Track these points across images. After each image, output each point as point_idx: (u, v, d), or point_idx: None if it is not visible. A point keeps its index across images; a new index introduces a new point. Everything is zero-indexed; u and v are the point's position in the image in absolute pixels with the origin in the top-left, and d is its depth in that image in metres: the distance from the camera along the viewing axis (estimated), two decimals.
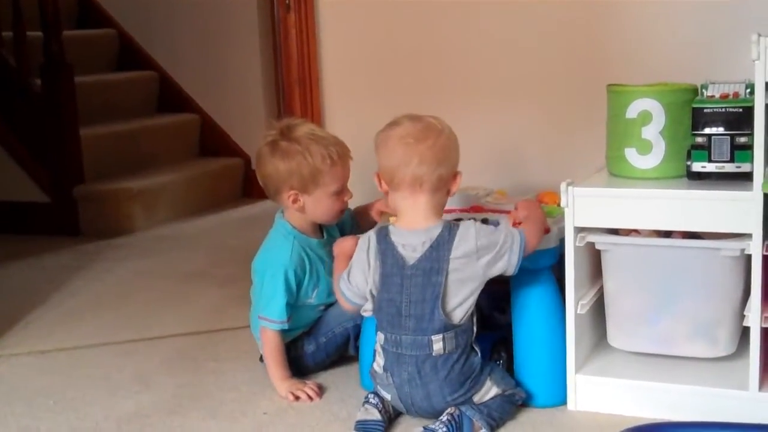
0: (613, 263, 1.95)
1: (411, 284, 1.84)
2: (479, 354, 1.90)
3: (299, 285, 2.14)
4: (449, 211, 2.11)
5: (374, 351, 1.93)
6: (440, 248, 1.83)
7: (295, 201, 2.14)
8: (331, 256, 2.13)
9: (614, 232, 1.94)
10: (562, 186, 1.87)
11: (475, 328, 1.90)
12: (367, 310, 1.93)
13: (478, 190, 2.24)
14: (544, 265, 1.95)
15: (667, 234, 1.90)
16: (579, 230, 1.90)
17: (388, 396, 1.89)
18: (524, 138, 2.37)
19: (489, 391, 1.88)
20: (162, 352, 2.42)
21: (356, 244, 1.98)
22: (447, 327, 1.83)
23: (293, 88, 2.59)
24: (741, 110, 1.80)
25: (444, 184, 1.87)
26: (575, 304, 1.91)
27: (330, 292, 2.16)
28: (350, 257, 1.98)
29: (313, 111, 2.59)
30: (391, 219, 1.99)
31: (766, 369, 1.86)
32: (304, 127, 2.15)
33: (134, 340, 2.54)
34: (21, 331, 2.66)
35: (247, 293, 2.33)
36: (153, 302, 2.90)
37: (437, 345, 1.83)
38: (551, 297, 1.96)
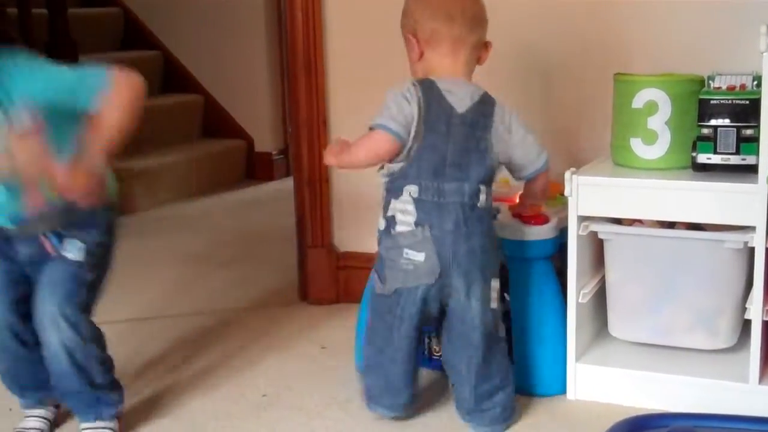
0: (616, 253, 1.95)
1: (458, 132, 1.75)
2: None
3: None
4: None
5: (389, 218, 1.78)
6: (487, 104, 1.78)
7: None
8: None
9: (617, 221, 1.93)
10: (566, 174, 1.87)
11: None
12: (394, 171, 1.77)
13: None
14: (545, 254, 1.95)
15: (671, 225, 1.90)
16: (582, 219, 1.90)
17: (420, 256, 1.73)
18: (528, 126, 2.36)
19: (495, 296, 1.80)
20: (162, 332, 2.42)
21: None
22: (489, 181, 1.78)
23: (298, 70, 2.58)
24: (747, 102, 1.79)
25: (478, 47, 1.83)
26: (577, 293, 1.91)
27: None
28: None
29: (317, 95, 2.58)
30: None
31: (767, 362, 1.86)
32: None
33: (136, 319, 2.55)
34: None
35: (246, 275, 2.32)
36: (154, 283, 2.90)
37: (483, 195, 1.76)
38: (551, 286, 1.96)
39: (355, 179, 2.51)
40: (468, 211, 1.74)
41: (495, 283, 1.80)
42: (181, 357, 2.26)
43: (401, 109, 1.75)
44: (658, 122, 1.90)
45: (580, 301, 1.92)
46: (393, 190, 1.77)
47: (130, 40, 4.81)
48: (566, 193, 1.88)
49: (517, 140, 1.81)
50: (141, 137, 4.35)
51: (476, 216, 1.75)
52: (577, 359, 1.94)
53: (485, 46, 1.85)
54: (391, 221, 1.77)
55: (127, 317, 2.56)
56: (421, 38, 1.82)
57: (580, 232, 1.90)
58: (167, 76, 4.76)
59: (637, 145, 1.93)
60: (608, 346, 2.02)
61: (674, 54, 2.14)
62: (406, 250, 1.75)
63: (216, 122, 4.65)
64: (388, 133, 1.74)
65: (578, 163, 1.98)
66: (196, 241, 3.42)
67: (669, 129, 1.90)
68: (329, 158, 1.86)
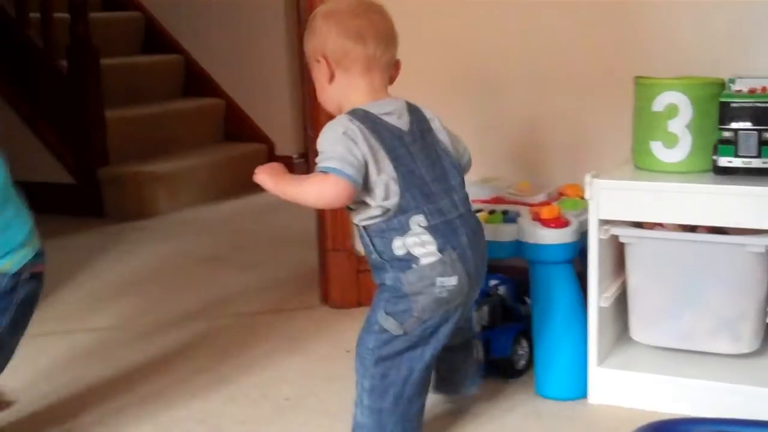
0: (637, 257, 1.94)
1: (417, 149, 1.67)
2: None
3: None
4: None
5: (401, 257, 1.64)
6: (416, 111, 1.71)
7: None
8: None
9: (638, 225, 1.93)
10: (587, 178, 1.87)
11: None
12: (388, 208, 1.63)
13: (500, 181, 2.23)
14: (565, 258, 1.94)
15: (692, 228, 1.89)
16: (603, 222, 1.89)
17: (453, 281, 1.64)
18: (549, 129, 2.36)
19: None
20: (183, 336, 2.43)
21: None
22: (464, 183, 1.73)
23: None
24: None
25: (389, 66, 1.72)
26: (598, 296, 1.91)
27: None
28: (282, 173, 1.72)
29: None
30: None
31: None
32: None
33: (156, 322, 2.56)
34: (44, 311, 2.66)
35: (266, 279, 2.33)
36: (175, 285, 2.92)
37: (468, 199, 1.73)
38: (572, 290, 1.95)
39: None
40: (468, 219, 1.69)
41: None
42: (203, 360, 2.27)
43: (350, 150, 1.60)
44: (678, 125, 1.89)
45: (601, 305, 1.91)
46: (394, 228, 1.64)
47: (151, 44, 4.84)
48: (586, 196, 1.88)
49: (451, 135, 1.75)
50: (163, 141, 4.43)
51: (476, 221, 1.72)
52: (599, 363, 1.93)
53: (396, 64, 1.74)
54: (407, 259, 1.64)
55: (149, 320, 2.58)
56: (332, 59, 1.69)
57: (601, 236, 1.89)
58: (188, 80, 4.79)
59: (657, 149, 1.92)
60: (630, 351, 2.01)
61: (695, 57, 2.13)
62: (439, 279, 1.64)
63: (237, 126, 4.67)
64: (347, 180, 1.59)
65: (598, 166, 1.98)
66: (217, 244, 3.44)
67: (690, 132, 1.89)
68: (267, 181, 1.68)
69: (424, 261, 1.63)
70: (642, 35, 2.23)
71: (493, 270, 2.21)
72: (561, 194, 2.14)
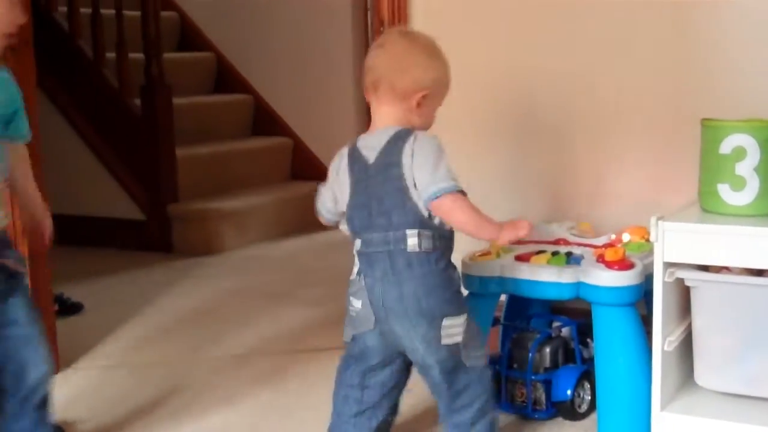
0: (703, 300, 1.91)
1: (375, 183, 1.75)
2: (458, 272, 1.82)
3: None
4: (533, 243, 2.11)
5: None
6: (397, 143, 1.73)
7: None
8: None
9: (704, 268, 1.90)
10: (652, 220, 1.85)
11: (453, 245, 1.80)
12: (345, 228, 1.83)
13: (563, 223, 2.23)
14: (629, 300, 1.92)
15: (759, 272, 1.86)
16: (668, 265, 1.87)
17: (358, 304, 1.77)
18: (614, 171, 2.35)
19: (456, 330, 1.75)
20: (247, 370, 2.46)
21: None
22: (423, 224, 1.73)
23: None
24: None
25: (401, 96, 1.76)
26: (662, 340, 1.88)
27: None
28: None
29: None
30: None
31: None
32: None
33: (221, 357, 2.59)
34: (112, 344, 2.73)
35: (330, 315, 2.34)
36: (239, 320, 2.95)
37: (412, 240, 1.72)
38: (636, 333, 1.93)
39: None
40: (395, 258, 1.73)
41: (452, 320, 1.75)
42: (267, 395, 2.29)
43: (330, 187, 1.83)
44: (746, 168, 1.87)
45: (665, 348, 1.89)
46: (352, 240, 1.82)
47: (222, 84, 4.93)
48: (652, 238, 1.86)
49: (419, 162, 1.72)
50: (231, 179, 4.49)
51: (405, 262, 1.73)
52: (663, 408, 1.90)
53: (415, 92, 1.76)
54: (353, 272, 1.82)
55: (214, 354, 2.61)
56: (363, 83, 1.83)
57: (666, 279, 1.87)
58: (257, 120, 4.87)
59: (724, 191, 1.90)
60: (694, 396, 1.97)
61: (763, 99, 2.11)
62: (351, 297, 1.80)
63: (304, 165, 4.72)
64: (325, 220, 1.89)
65: (665, 209, 1.96)
66: (281, 280, 3.47)
67: (758, 175, 1.87)
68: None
69: (350, 277, 1.81)
70: (708, 77, 2.22)
71: (556, 311, 2.21)
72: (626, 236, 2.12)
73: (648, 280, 1.91)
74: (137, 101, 4.09)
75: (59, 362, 2.48)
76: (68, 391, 2.35)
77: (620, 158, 2.35)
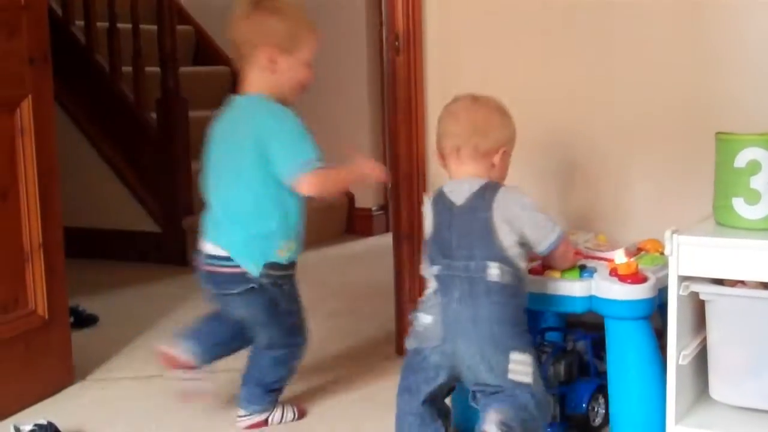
0: (718, 314, 1.91)
1: (459, 221, 1.87)
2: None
3: None
4: None
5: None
6: (485, 194, 1.87)
7: (271, 61, 2.09)
8: None
9: (719, 282, 1.90)
10: (667, 234, 1.85)
11: (527, 290, 1.91)
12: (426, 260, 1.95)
13: (579, 235, 2.22)
14: (643, 314, 1.92)
15: None
16: (683, 279, 1.87)
17: (428, 318, 1.86)
18: (628, 184, 2.35)
19: (525, 370, 1.80)
20: None
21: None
22: (505, 260, 1.84)
23: (399, 128, 2.62)
24: None
25: (483, 155, 1.92)
26: (677, 354, 1.88)
27: None
28: None
29: (418, 150, 2.61)
30: None
31: None
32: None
33: (236, 369, 2.59)
34: (127, 356, 2.74)
35: (346, 328, 2.35)
36: None
37: (493, 270, 1.82)
38: (649, 347, 1.93)
39: None
40: (475, 284, 1.82)
41: (519, 356, 1.80)
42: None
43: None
44: (761, 182, 1.86)
45: (680, 362, 1.88)
46: (429, 266, 1.92)
47: None
48: (666, 252, 1.86)
49: (524, 220, 1.86)
50: None
51: (484, 288, 1.81)
52: (677, 422, 1.89)
53: (496, 151, 1.93)
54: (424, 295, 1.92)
55: (226, 368, 2.61)
56: (437, 149, 1.98)
57: (681, 293, 1.87)
58: None
59: (739, 205, 1.89)
60: (709, 410, 1.96)
61: None
62: (419, 314, 1.88)
63: None
64: None
65: (679, 223, 1.96)
66: None
67: None
68: None
69: (423, 296, 1.91)
70: (724, 91, 2.22)
71: (570, 325, 2.20)
72: (640, 249, 2.12)
73: (662, 293, 1.90)
74: (153, 114, 4.11)
75: (74, 374, 2.50)
76: (83, 403, 2.36)
77: (635, 172, 2.35)
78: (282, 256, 2.11)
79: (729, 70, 2.21)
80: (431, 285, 1.90)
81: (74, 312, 2.89)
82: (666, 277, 1.88)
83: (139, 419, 2.24)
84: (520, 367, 1.80)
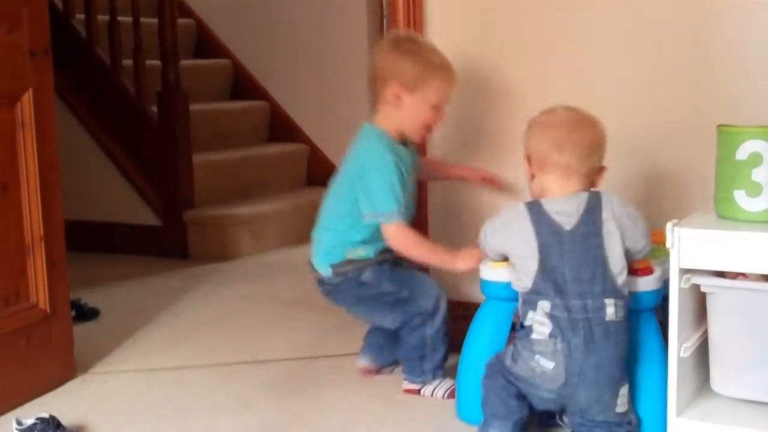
0: (719, 306, 1.91)
1: (571, 249, 1.85)
2: None
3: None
4: None
5: (527, 327, 1.89)
6: (593, 211, 1.86)
7: (396, 96, 2.19)
8: (412, 166, 2.26)
9: (720, 274, 1.90)
10: (668, 226, 1.85)
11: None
12: (526, 286, 1.90)
13: None
14: (648, 306, 1.92)
15: None
16: (684, 272, 1.87)
17: (549, 365, 1.84)
18: (630, 176, 2.35)
19: (626, 399, 1.87)
20: (263, 376, 2.46)
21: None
22: (617, 293, 1.84)
23: None
24: None
25: (591, 174, 1.92)
26: (678, 346, 1.88)
27: (407, 205, 2.24)
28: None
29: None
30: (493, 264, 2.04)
31: None
32: (427, 40, 2.29)
33: (236, 363, 2.59)
34: (128, 349, 2.74)
35: (345, 322, 2.35)
36: (256, 326, 2.96)
37: (610, 309, 1.83)
38: (654, 339, 1.93)
39: (453, 233, 2.53)
40: (595, 327, 1.82)
41: (625, 389, 1.86)
42: (281, 400, 2.29)
43: (507, 233, 1.95)
44: (762, 174, 1.86)
45: (681, 355, 1.88)
46: (529, 302, 1.89)
47: (239, 91, 4.95)
48: (668, 245, 1.85)
49: (629, 230, 1.88)
50: (248, 185, 4.50)
51: (603, 331, 1.82)
52: (678, 414, 1.89)
53: (600, 170, 1.93)
54: (529, 329, 1.88)
55: (229, 360, 2.62)
56: (533, 161, 1.95)
57: (682, 285, 1.86)
58: (273, 126, 4.89)
59: (740, 198, 1.89)
60: (711, 402, 1.96)
61: None
62: (538, 357, 1.85)
63: (320, 171, 4.73)
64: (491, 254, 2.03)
65: (681, 215, 1.96)
66: (298, 286, 3.46)
67: None
68: None
69: (534, 336, 1.86)
70: (725, 83, 2.21)
71: None
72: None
73: (665, 285, 1.90)
74: (154, 108, 4.11)
75: (76, 367, 2.50)
76: (85, 396, 2.36)
77: (638, 164, 2.34)
78: (354, 255, 2.25)
79: (732, 63, 2.21)
80: (545, 324, 1.86)
81: (75, 305, 2.90)
82: (668, 269, 1.88)
83: (140, 412, 2.24)
84: (623, 398, 1.87)
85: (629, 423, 1.89)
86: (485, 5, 2.50)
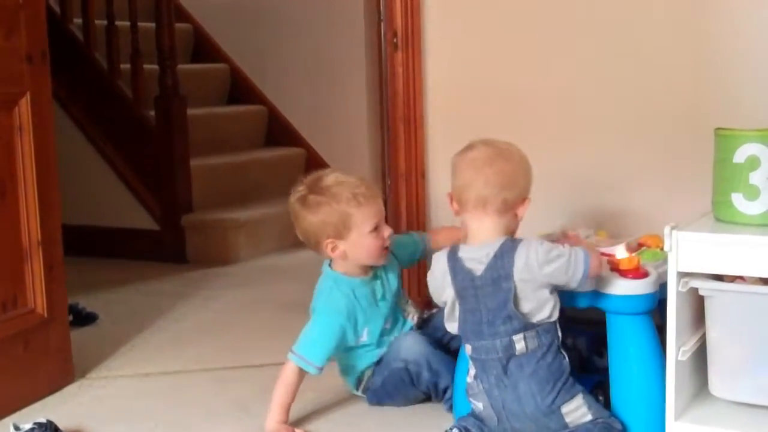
0: (717, 310, 1.91)
1: (483, 294, 1.87)
2: (567, 358, 1.90)
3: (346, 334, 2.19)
4: None
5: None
6: (504, 257, 1.86)
7: (333, 249, 2.18)
8: (381, 291, 2.23)
9: (718, 278, 1.90)
10: (666, 229, 1.85)
11: (559, 333, 1.90)
12: (453, 328, 1.96)
13: (579, 231, 2.22)
14: (643, 309, 1.92)
15: None
16: (682, 275, 1.87)
17: (480, 405, 1.90)
18: (628, 180, 2.35)
19: (581, 411, 1.86)
20: (261, 380, 2.46)
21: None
22: (527, 326, 1.85)
23: (398, 125, 2.62)
24: None
25: (510, 207, 1.91)
26: (676, 350, 1.88)
27: (382, 330, 2.22)
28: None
29: (416, 148, 2.62)
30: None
31: None
32: (330, 176, 2.22)
33: (235, 367, 2.59)
34: (126, 354, 2.74)
35: None
36: (254, 331, 2.96)
37: (519, 344, 1.85)
38: (650, 342, 1.93)
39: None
40: (506, 363, 1.86)
41: (569, 406, 1.86)
42: None
43: (434, 285, 1.98)
44: (760, 177, 1.86)
45: (679, 358, 1.88)
46: (462, 343, 1.97)
47: (236, 95, 4.96)
48: (666, 248, 1.86)
49: (549, 273, 1.84)
50: (246, 189, 4.50)
51: (516, 365, 1.85)
52: (676, 418, 1.89)
53: (522, 201, 1.92)
54: (469, 366, 1.95)
55: (226, 365, 2.61)
56: (453, 197, 1.96)
57: (680, 289, 1.86)
58: (271, 130, 4.89)
59: (738, 201, 1.89)
60: (709, 406, 1.96)
61: None
62: (471, 399, 1.93)
63: None
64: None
65: (678, 218, 1.96)
66: (296, 290, 3.45)
67: None
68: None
69: (468, 377, 1.94)
70: (723, 86, 2.22)
71: (571, 321, 2.20)
72: (641, 245, 2.12)
73: (662, 288, 1.90)
74: (151, 112, 4.11)
75: (74, 372, 2.50)
76: (83, 401, 2.35)
77: (635, 167, 2.35)
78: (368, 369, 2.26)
79: (730, 66, 2.21)
80: (471, 367, 1.93)
81: (73, 310, 2.89)
82: (666, 272, 1.88)
83: (138, 417, 2.24)
84: (575, 413, 1.86)
85: (597, 425, 1.86)
86: (483, 5, 2.50)
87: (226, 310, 3.25)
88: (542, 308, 1.87)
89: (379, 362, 2.23)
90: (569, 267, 1.85)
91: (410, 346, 2.16)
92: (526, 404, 1.85)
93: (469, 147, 1.97)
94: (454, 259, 1.92)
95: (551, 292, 1.87)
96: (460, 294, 1.91)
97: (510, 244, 1.87)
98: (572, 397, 1.86)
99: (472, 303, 1.89)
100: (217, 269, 3.86)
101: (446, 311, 1.96)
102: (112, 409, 2.31)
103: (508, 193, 1.90)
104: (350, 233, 2.15)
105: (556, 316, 1.89)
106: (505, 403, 1.87)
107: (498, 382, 1.87)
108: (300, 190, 2.21)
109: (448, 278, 1.92)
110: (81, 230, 3.97)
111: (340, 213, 2.14)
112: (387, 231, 2.20)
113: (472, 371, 1.93)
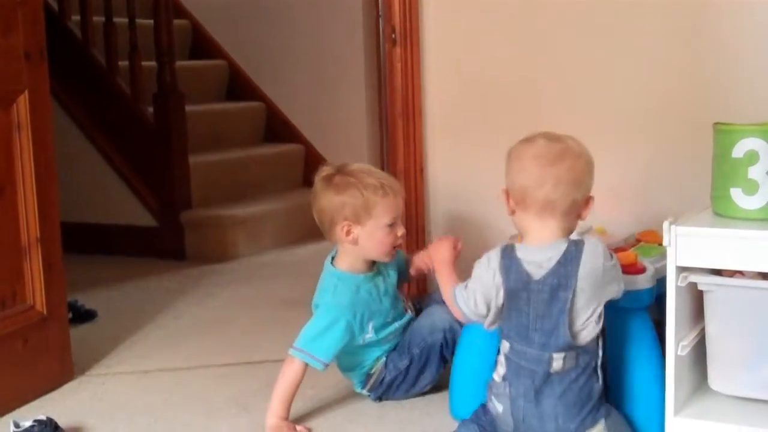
0: (716, 304, 1.91)
1: (538, 299, 1.78)
2: (601, 380, 1.84)
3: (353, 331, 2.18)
4: None
5: (495, 361, 1.88)
6: (568, 264, 1.77)
7: (348, 233, 2.17)
8: (383, 286, 2.22)
9: (717, 272, 1.90)
10: (665, 224, 1.85)
11: (600, 353, 1.84)
12: (492, 322, 1.87)
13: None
14: (641, 304, 1.92)
15: None
16: (681, 270, 1.87)
17: (500, 408, 1.84)
18: (626, 175, 2.35)
19: None
20: (260, 377, 2.46)
21: (453, 249, 2.07)
22: (570, 347, 1.78)
23: (396, 121, 2.62)
24: None
25: (576, 208, 1.81)
26: (676, 345, 1.88)
27: (384, 324, 2.21)
28: (451, 264, 2.05)
29: (415, 144, 2.61)
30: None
31: None
32: (359, 164, 2.23)
33: (233, 364, 2.59)
34: (125, 351, 2.74)
35: None
36: (253, 327, 2.95)
37: (557, 363, 1.78)
38: (647, 337, 1.93)
39: (454, 231, 2.53)
40: (539, 378, 1.79)
41: (593, 431, 1.81)
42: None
43: (482, 289, 1.84)
44: (759, 172, 1.86)
45: (678, 353, 1.88)
46: (501, 338, 1.87)
47: (234, 91, 4.95)
48: (665, 243, 1.85)
49: (608, 279, 1.80)
50: (244, 186, 4.50)
51: (548, 381, 1.79)
52: (676, 413, 1.89)
53: (586, 201, 1.83)
54: (497, 363, 1.87)
55: (226, 362, 2.61)
56: (511, 196, 1.83)
57: (679, 283, 1.86)
58: (269, 127, 4.89)
59: (737, 196, 1.89)
60: (708, 400, 1.96)
61: None
62: (493, 397, 1.86)
63: (316, 171, 4.72)
64: (464, 318, 1.92)
65: (678, 213, 1.96)
66: (295, 287, 3.47)
67: None
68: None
69: (494, 376, 1.87)
70: (721, 81, 2.22)
71: None
72: (639, 240, 2.12)
73: (660, 284, 1.90)
74: (150, 109, 4.11)
75: (73, 369, 2.50)
76: (82, 399, 2.35)
77: (633, 162, 2.34)
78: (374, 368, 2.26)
79: (729, 61, 2.21)
80: (501, 365, 1.85)
81: (72, 307, 2.89)
82: (664, 267, 1.88)
83: (138, 414, 2.24)
84: None
85: None
86: (482, 3, 2.50)
87: (225, 307, 3.25)
88: (591, 322, 1.79)
89: (393, 350, 2.23)
90: (619, 271, 1.82)
91: (441, 317, 2.17)
92: (548, 424, 1.79)
93: (530, 140, 1.83)
94: (509, 258, 1.81)
95: (601, 305, 1.80)
96: (510, 294, 1.81)
97: (574, 250, 1.77)
98: (595, 423, 1.81)
99: (522, 305, 1.80)
100: (215, 266, 3.86)
101: (488, 308, 1.86)
102: (112, 405, 2.31)
103: (577, 193, 1.79)
104: (368, 221, 2.15)
105: (597, 331, 1.81)
106: (526, 417, 1.80)
107: (526, 393, 1.80)
108: (326, 169, 2.24)
109: (499, 278, 1.81)
110: (80, 227, 3.96)
111: (365, 198, 2.14)
112: (401, 230, 2.19)
113: (501, 370, 1.85)
